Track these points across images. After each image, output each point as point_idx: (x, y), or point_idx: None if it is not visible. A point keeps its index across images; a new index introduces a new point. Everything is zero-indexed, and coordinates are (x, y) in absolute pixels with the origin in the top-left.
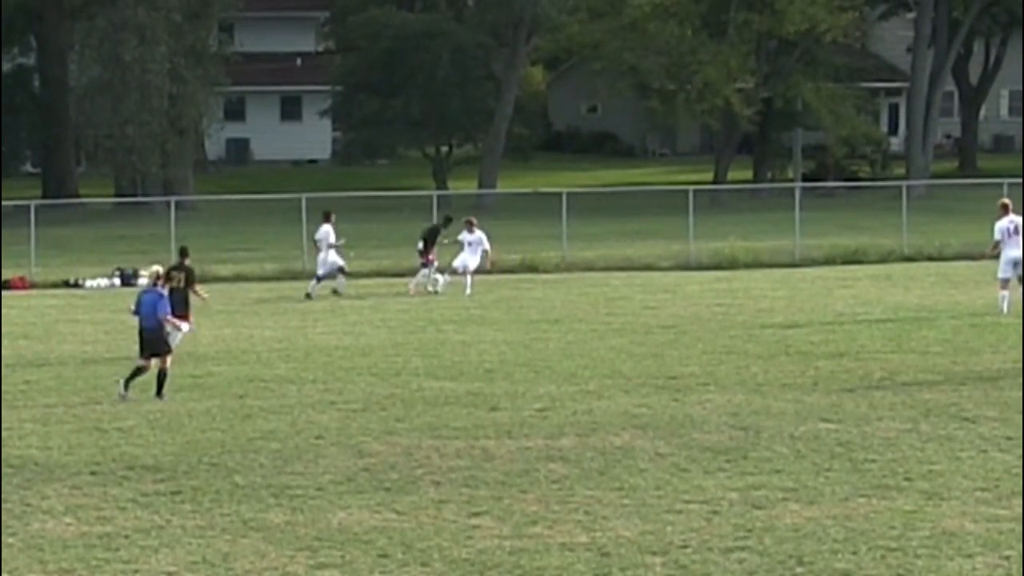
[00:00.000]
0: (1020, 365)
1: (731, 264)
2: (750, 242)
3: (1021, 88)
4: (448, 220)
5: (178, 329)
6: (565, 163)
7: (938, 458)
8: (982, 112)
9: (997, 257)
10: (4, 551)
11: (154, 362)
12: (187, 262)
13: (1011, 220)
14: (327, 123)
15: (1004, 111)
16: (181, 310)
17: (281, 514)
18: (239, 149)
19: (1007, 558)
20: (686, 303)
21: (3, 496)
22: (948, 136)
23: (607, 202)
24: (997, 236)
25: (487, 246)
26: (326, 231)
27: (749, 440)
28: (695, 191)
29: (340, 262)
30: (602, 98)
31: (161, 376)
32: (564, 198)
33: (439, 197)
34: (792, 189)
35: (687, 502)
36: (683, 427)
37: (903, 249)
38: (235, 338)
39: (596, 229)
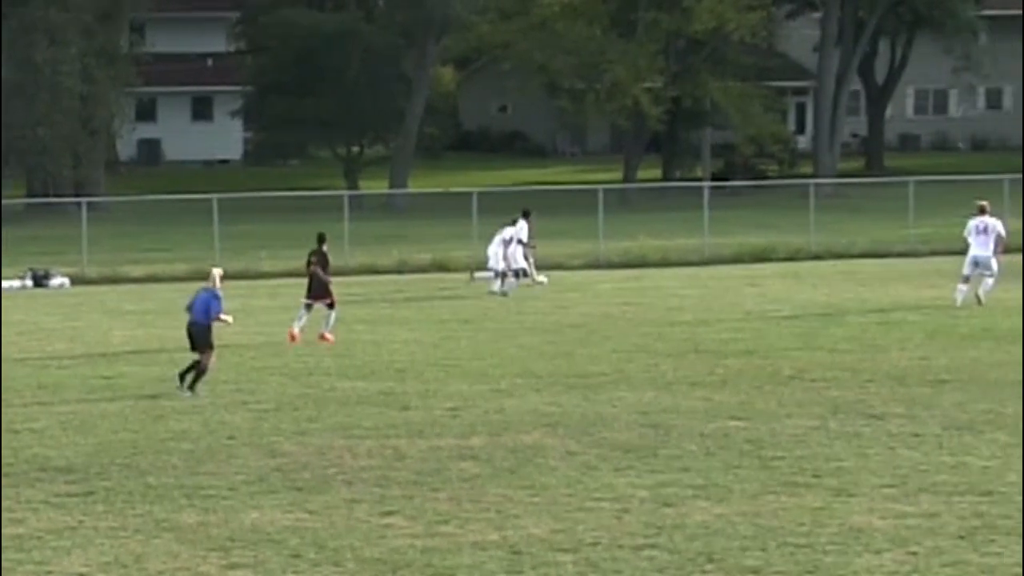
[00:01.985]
0: (923, 362)
1: (640, 263)
2: (659, 241)
3: (928, 87)
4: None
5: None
6: (475, 163)
7: (846, 455)
8: (888, 111)
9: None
10: None
11: (195, 356)
12: (324, 248)
13: (982, 220)
14: (238, 123)
15: (910, 110)
16: (321, 292)
17: (193, 514)
18: (150, 149)
19: (914, 554)
20: (596, 302)
21: None
22: (855, 135)
23: (517, 202)
24: (966, 233)
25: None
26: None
27: (659, 438)
28: (605, 190)
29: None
30: (512, 98)
31: (199, 372)
32: (474, 198)
33: (350, 197)
34: (701, 188)
35: (597, 500)
36: (593, 425)
37: (811, 247)
38: (147, 339)
39: None
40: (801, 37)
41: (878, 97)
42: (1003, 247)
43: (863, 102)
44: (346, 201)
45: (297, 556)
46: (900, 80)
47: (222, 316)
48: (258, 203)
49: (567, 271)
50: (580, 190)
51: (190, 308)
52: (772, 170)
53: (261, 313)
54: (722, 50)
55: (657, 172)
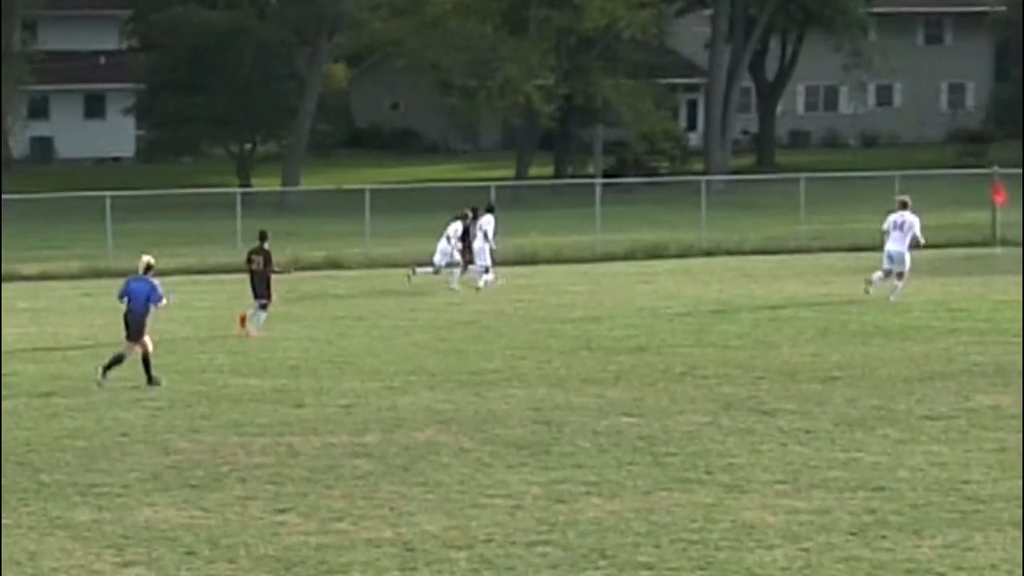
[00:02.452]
0: (814, 358)
1: (533, 260)
2: (551, 238)
3: (818, 84)
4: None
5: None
6: (368, 160)
7: (738, 451)
8: (779, 108)
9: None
10: None
11: (131, 347)
12: (266, 245)
13: (901, 215)
14: (131, 121)
15: (800, 107)
16: (263, 291)
17: (87, 512)
18: (43, 147)
19: (806, 550)
20: (489, 299)
21: None
22: (746, 132)
23: (410, 199)
24: (884, 227)
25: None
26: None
27: (552, 435)
28: (497, 187)
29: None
30: (404, 95)
31: (146, 362)
32: (367, 195)
33: (243, 195)
34: (593, 185)
35: (491, 497)
36: (486, 422)
37: (702, 244)
38: (41, 336)
39: (399, 226)
40: (692, 34)
41: (769, 94)
42: (917, 244)
43: (754, 99)
44: (238, 198)
45: (191, 553)
46: (791, 77)
47: (162, 303)
48: (151, 201)
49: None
50: (472, 187)
51: (123, 297)
52: (664, 167)
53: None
54: (613, 47)
55: (549, 169)
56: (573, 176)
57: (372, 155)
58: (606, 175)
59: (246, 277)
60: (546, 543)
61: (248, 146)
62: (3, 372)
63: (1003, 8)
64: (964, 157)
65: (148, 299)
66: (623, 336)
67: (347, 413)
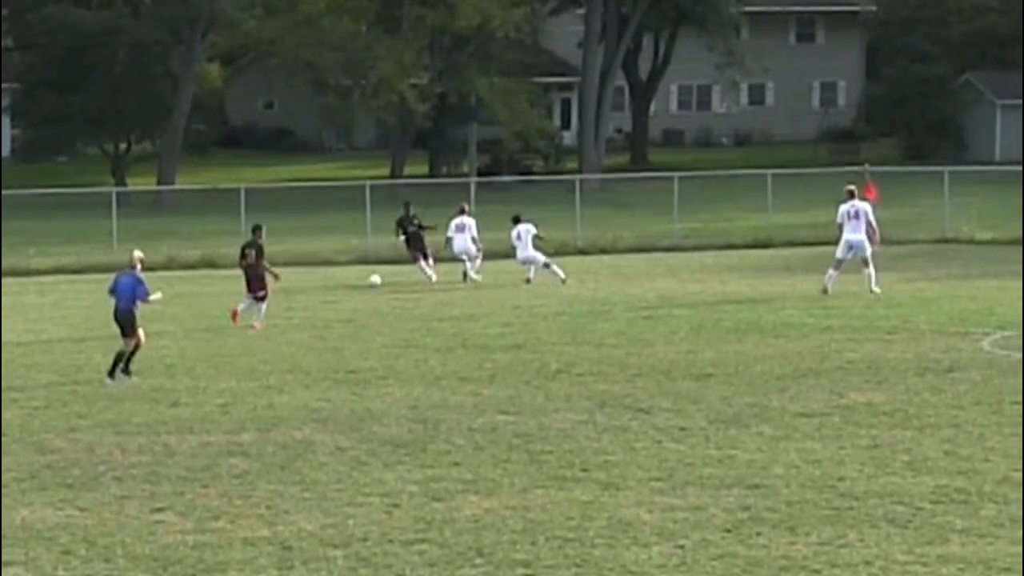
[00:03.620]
0: (689, 356)
1: (409, 258)
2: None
3: (690, 83)
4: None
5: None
6: (243, 159)
7: (614, 449)
8: (652, 107)
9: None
10: None
11: (128, 342)
12: (260, 239)
13: (853, 204)
14: (6, 120)
15: (674, 106)
16: (257, 284)
17: None
18: None
19: (682, 547)
20: (365, 297)
21: None
22: (619, 130)
23: (285, 197)
24: (838, 219)
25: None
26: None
27: (428, 433)
28: (372, 186)
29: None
30: (279, 94)
31: (132, 352)
32: (243, 194)
33: (118, 194)
34: (468, 183)
35: (367, 495)
36: (363, 421)
37: (577, 242)
38: None
39: (275, 224)
40: (566, 33)
41: (642, 93)
42: (877, 233)
43: (627, 98)
44: (114, 197)
45: (68, 553)
46: (664, 76)
47: (150, 298)
48: (27, 200)
49: (336, 267)
50: (347, 186)
51: (112, 292)
52: (538, 165)
53: (31, 310)
54: (487, 46)
55: (424, 168)
56: (448, 175)
57: (247, 154)
58: (481, 174)
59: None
60: (423, 541)
61: (123, 145)
62: None
63: (873, 8)
64: (836, 155)
65: (134, 294)
66: (499, 334)
67: (224, 412)
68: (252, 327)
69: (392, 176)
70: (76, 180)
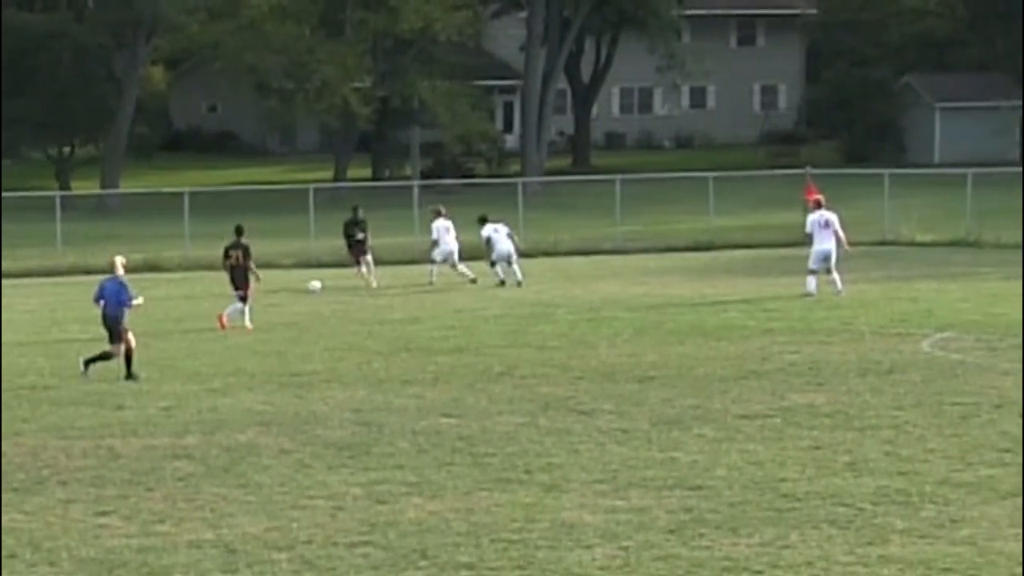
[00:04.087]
0: (631, 358)
1: (351, 261)
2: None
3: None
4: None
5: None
6: (187, 163)
7: (556, 451)
8: (594, 110)
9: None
10: None
11: (117, 347)
12: (243, 240)
13: (821, 215)
14: None
15: (615, 108)
16: (242, 283)
17: None
18: None
19: (625, 548)
20: (308, 301)
21: None
22: (562, 133)
23: (229, 201)
24: (808, 229)
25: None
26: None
27: (372, 436)
28: (315, 189)
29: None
30: (222, 98)
31: (128, 358)
32: (186, 197)
33: (62, 198)
34: (410, 187)
35: (311, 498)
36: (307, 424)
37: (519, 245)
38: None
39: (218, 228)
40: (508, 36)
41: (584, 96)
42: (844, 243)
43: (569, 101)
44: (57, 201)
45: (13, 556)
46: (606, 79)
47: (133, 302)
48: None
49: (279, 270)
50: (291, 190)
51: (98, 300)
52: (480, 168)
53: None
54: (429, 50)
55: (367, 171)
56: (391, 178)
57: (191, 158)
58: (423, 177)
59: (65, 280)
60: (367, 544)
61: (67, 149)
62: None
63: (814, 11)
64: (777, 158)
65: (119, 299)
66: (442, 337)
67: (168, 415)
68: (246, 328)
69: (335, 179)
70: (20, 184)
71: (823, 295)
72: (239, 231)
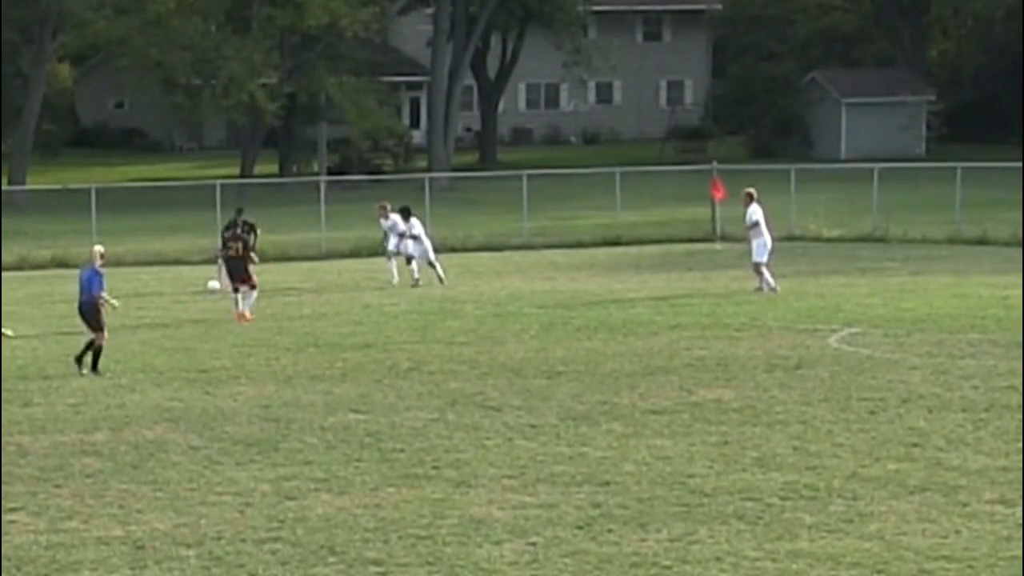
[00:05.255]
0: (539, 354)
1: (259, 258)
2: (277, 236)
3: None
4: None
5: (111, 306)
6: (94, 159)
7: (465, 447)
8: (501, 105)
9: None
10: None
11: (100, 335)
12: (239, 231)
13: (759, 208)
14: None
15: (522, 104)
16: (242, 276)
17: None
18: None
19: (534, 544)
20: (215, 297)
21: None
22: (469, 129)
23: (136, 197)
24: (757, 219)
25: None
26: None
27: (280, 432)
28: (222, 185)
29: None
30: (129, 94)
31: (96, 352)
32: (93, 194)
33: None
34: (318, 183)
35: (220, 494)
36: (215, 420)
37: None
38: None
39: (126, 224)
40: (414, 32)
41: (491, 92)
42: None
43: (476, 97)
44: None
45: None
46: (512, 75)
47: (103, 295)
48: None
49: (186, 266)
50: (198, 185)
51: (81, 288)
52: (388, 164)
53: None
54: (336, 45)
55: (274, 167)
56: (298, 174)
57: (98, 154)
58: (331, 173)
59: None
60: (276, 540)
61: None
62: None
63: (719, 6)
64: (683, 153)
65: (91, 288)
66: (350, 333)
67: (76, 412)
68: (244, 317)
69: (242, 175)
70: None
71: (732, 290)
72: (239, 212)
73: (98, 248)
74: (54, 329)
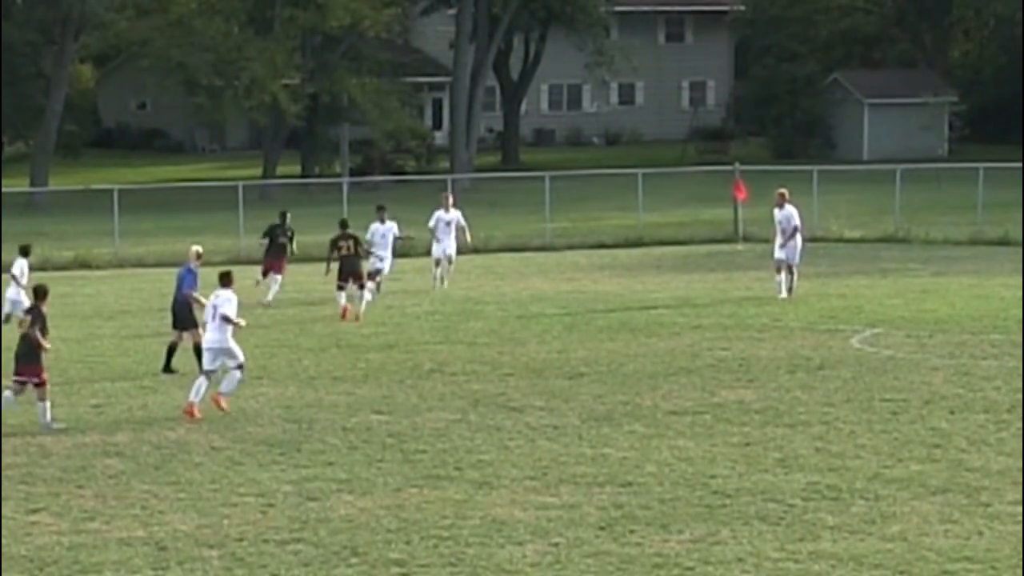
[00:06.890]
0: (561, 355)
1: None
2: (299, 236)
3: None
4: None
5: (200, 304)
6: (116, 160)
7: (487, 447)
8: (523, 106)
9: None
10: None
11: (186, 336)
12: (349, 230)
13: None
14: None
15: (544, 105)
16: (356, 274)
17: None
18: None
19: (556, 545)
20: (237, 297)
21: None
22: (491, 130)
23: (158, 198)
24: (796, 222)
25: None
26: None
27: (302, 432)
28: (244, 186)
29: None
30: (151, 95)
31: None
32: (115, 194)
33: None
34: (340, 183)
35: (242, 495)
36: (237, 421)
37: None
38: None
39: (148, 225)
40: (437, 33)
41: (513, 93)
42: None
43: (498, 97)
44: None
45: None
46: (534, 76)
47: (194, 294)
48: None
49: (208, 267)
50: (220, 186)
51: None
52: (410, 165)
53: None
54: (358, 46)
55: (296, 168)
56: (320, 175)
57: (120, 155)
58: (353, 174)
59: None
60: (298, 541)
61: None
62: None
63: (742, 7)
64: (706, 154)
65: (184, 287)
66: (372, 334)
67: (98, 413)
68: (346, 311)
69: (264, 176)
70: None
71: (757, 292)
72: (344, 225)
73: (195, 248)
74: (76, 330)
